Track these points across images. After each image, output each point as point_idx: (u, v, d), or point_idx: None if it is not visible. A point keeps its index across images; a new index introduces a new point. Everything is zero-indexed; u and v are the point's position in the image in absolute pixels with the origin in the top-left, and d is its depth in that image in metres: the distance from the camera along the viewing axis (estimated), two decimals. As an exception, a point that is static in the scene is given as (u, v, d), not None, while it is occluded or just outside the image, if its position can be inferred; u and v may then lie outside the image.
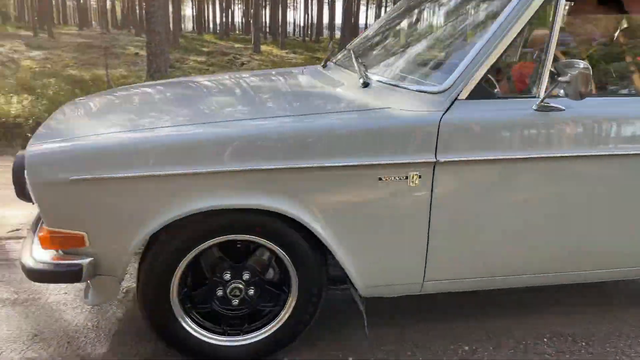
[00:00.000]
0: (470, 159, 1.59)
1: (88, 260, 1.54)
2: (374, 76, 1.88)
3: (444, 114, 1.57)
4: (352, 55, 2.07)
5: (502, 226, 1.73)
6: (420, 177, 1.58)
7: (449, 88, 1.60)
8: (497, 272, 1.81)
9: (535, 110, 1.60)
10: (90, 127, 1.77)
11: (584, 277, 1.90)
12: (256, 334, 1.76)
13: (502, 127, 1.61)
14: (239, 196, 1.53)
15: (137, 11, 31.52)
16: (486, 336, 1.99)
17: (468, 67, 1.60)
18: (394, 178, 1.57)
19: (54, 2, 27.71)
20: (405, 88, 1.73)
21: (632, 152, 1.68)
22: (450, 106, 1.59)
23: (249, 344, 1.75)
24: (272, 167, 1.51)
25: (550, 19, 1.62)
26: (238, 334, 1.76)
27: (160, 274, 1.61)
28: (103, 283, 1.62)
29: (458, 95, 1.60)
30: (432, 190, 1.61)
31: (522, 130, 1.61)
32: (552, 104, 1.59)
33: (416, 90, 1.68)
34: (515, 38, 1.61)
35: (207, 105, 1.99)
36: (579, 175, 1.70)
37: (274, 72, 2.64)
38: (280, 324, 1.76)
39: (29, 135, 3.63)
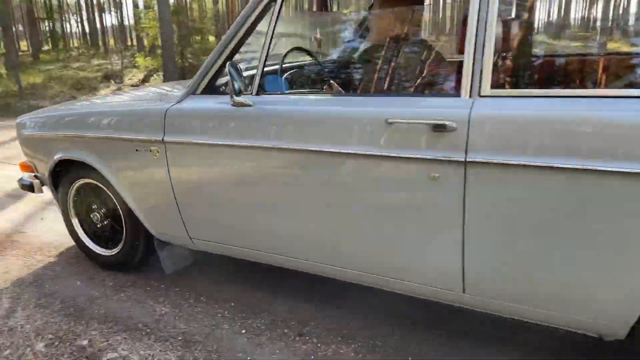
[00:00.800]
0: (185, 140, 1.94)
1: (35, 179, 2.68)
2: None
3: (172, 106, 1.99)
4: None
5: (221, 200, 1.99)
6: (158, 151, 2.02)
7: (191, 85, 1.99)
8: (259, 247, 2.00)
9: (232, 105, 1.80)
10: (46, 111, 2.72)
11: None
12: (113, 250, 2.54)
13: (207, 117, 1.91)
14: (70, 152, 2.36)
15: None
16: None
17: (205, 67, 1.94)
18: (144, 150, 2.07)
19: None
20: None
21: (310, 148, 1.66)
22: (182, 99, 1.99)
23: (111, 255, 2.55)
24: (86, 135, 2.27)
25: (270, 22, 1.77)
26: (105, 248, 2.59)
27: (64, 201, 2.60)
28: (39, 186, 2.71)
29: (195, 90, 1.98)
30: (167, 162, 2.02)
31: (220, 121, 1.87)
32: (242, 100, 1.78)
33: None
34: (241, 41, 1.84)
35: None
36: (268, 163, 1.80)
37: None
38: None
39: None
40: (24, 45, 34.69)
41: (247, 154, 1.81)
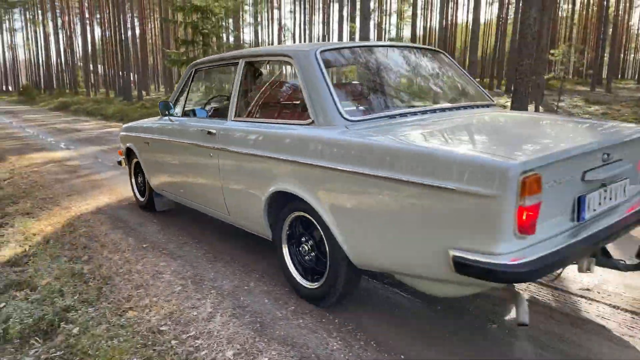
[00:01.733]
0: (150, 137, 4.15)
1: (121, 158, 4.95)
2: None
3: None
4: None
5: (169, 170, 3.95)
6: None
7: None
8: (181, 194, 3.90)
9: (165, 118, 3.99)
10: (128, 124, 4.87)
11: None
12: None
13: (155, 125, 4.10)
14: (130, 143, 4.62)
15: None
16: None
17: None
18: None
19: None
20: None
21: (184, 141, 3.53)
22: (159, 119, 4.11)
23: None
24: None
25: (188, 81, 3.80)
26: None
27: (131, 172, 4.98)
28: (123, 163, 4.96)
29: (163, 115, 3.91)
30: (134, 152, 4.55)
31: (162, 127, 3.98)
32: (167, 118, 3.89)
33: None
34: (182, 90, 3.83)
35: None
36: (177, 150, 3.70)
37: None
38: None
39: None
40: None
41: (174, 146, 3.68)
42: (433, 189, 1.85)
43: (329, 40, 43.97)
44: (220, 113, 3.59)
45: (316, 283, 2.59)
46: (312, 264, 2.64)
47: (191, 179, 3.56)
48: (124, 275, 3.11)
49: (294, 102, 2.84)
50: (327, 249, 2.44)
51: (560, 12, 39.52)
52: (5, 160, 8.06)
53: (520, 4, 25.48)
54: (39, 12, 47.02)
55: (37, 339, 2.51)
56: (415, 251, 2.02)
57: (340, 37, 28.07)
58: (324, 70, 2.52)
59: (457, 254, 1.78)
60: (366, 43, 3.16)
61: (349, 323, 2.45)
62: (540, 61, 9.38)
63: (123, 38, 26.56)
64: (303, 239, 2.68)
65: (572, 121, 2.95)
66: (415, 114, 2.62)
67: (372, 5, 11.75)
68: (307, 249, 2.66)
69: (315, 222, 2.50)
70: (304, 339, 2.31)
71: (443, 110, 2.77)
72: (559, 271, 2.49)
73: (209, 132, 3.14)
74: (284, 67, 3.06)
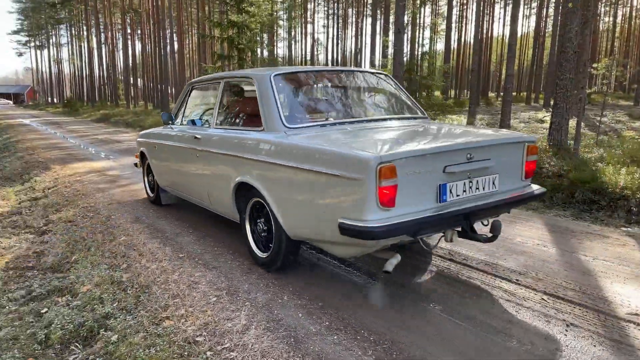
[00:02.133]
0: (157, 142, 5.10)
1: (137, 160, 5.88)
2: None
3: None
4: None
5: (171, 170, 4.79)
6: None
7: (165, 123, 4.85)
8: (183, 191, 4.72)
9: (166, 127, 4.95)
10: (145, 131, 5.73)
11: None
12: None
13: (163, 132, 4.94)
14: (143, 147, 5.57)
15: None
16: None
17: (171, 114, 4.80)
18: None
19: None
20: None
21: (180, 145, 4.43)
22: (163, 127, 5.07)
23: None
24: None
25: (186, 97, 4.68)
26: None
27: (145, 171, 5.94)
28: (138, 164, 5.97)
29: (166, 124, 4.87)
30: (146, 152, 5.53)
31: (166, 134, 4.83)
32: (169, 126, 4.86)
33: None
34: (182, 103, 4.69)
35: None
36: (174, 151, 4.55)
37: None
38: None
39: (634, 208, 4.73)
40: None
41: (173, 149, 4.50)
42: (328, 175, 2.60)
43: (361, 54, 44.19)
44: (207, 122, 4.18)
45: (267, 253, 3.33)
46: (264, 239, 3.39)
47: (185, 175, 4.41)
48: (161, 285, 3.16)
49: (255, 113, 3.41)
50: (273, 226, 3.18)
51: (601, 25, 38.51)
52: (50, 170, 8.41)
53: (559, 18, 24.96)
54: (84, 27, 49.35)
55: (77, 344, 2.56)
56: (321, 223, 2.72)
57: (372, 51, 28.14)
58: (275, 89, 3.27)
59: (342, 221, 2.50)
60: (315, 68, 4.18)
61: (384, 341, 2.40)
62: (582, 75, 9.11)
63: (162, 53, 27.47)
64: (259, 220, 3.41)
65: (463, 128, 3.62)
66: (343, 123, 3.33)
67: (405, 19, 11.72)
68: (261, 227, 3.39)
69: (265, 206, 3.21)
70: (338, 356, 2.27)
71: (370, 121, 3.47)
72: (434, 243, 3.42)
73: (196, 137, 4.01)
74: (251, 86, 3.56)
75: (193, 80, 4.51)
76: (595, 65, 9.50)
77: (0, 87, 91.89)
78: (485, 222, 3.10)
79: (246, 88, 3.82)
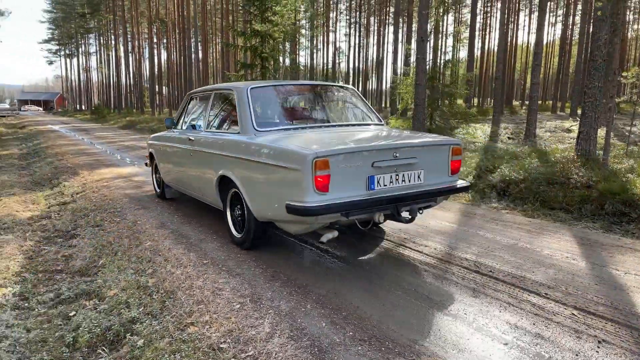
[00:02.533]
0: (163, 143, 5.88)
1: (147, 160, 6.85)
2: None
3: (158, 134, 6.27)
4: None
5: (173, 168, 5.63)
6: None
7: (171, 125, 5.68)
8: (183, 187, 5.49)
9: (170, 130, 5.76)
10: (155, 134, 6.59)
11: None
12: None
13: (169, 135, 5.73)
14: (152, 149, 6.38)
15: None
16: None
17: (173, 120, 5.71)
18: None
19: None
20: None
21: (178, 146, 5.26)
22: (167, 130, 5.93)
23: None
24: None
25: (186, 106, 5.53)
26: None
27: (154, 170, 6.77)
28: (148, 165, 6.93)
29: (170, 127, 5.69)
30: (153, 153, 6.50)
31: (169, 137, 5.69)
32: (172, 130, 5.68)
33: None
34: (183, 110, 5.51)
35: None
36: (176, 151, 5.36)
37: None
38: None
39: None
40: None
41: (174, 149, 5.36)
42: (280, 167, 3.29)
43: (384, 62, 44.13)
44: (200, 126, 4.91)
45: (241, 233, 4.05)
46: (240, 222, 4.07)
47: (183, 172, 5.19)
48: (185, 290, 3.19)
49: (235, 119, 4.10)
50: (245, 210, 3.85)
51: (630, 33, 37.58)
52: (78, 175, 8.63)
53: (586, 26, 24.48)
54: (112, 37, 50.69)
55: (104, 348, 2.60)
56: (277, 205, 3.32)
57: (394, 59, 28.07)
58: (250, 100, 3.97)
59: (288, 203, 3.15)
60: (289, 82, 4.79)
61: (410, 353, 2.36)
62: (611, 84, 8.89)
63: (187, 61, 27.99)
64: (236, 207, 4.10)
65: (401, 134, 4.15)
66: (304, 128, 4.02)
67: (429, 27, 11.65)
68: (237, 212, 4.08)
69: (240, 194, 3.86)
70: (363, 367, 2.24)
71: (329, 126, 4.25)
72: (367, 226, 4.15)
73: (190, 139, 4.79)
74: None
75: (191, 91, 5.35)
76: (624, 74, 9.26)
77: (30, 94, 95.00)
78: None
79: (230, 98, 4.42)
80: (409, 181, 3.48)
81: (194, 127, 4.99)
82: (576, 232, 4.53)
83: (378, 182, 3.32)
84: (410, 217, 3.51)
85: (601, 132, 8.86)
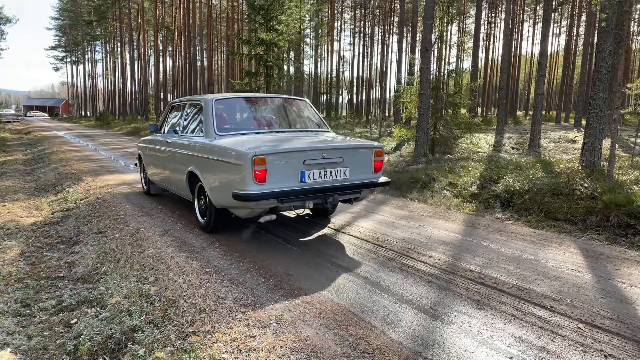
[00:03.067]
0: (150, 146, 6.69)
1: (137, 161, 7.53)
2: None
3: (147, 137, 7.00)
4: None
5: (157, 167, 6.42)
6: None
7: (155, 130, 6.58)
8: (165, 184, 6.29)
9: (154, 134, 6.65)
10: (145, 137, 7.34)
11: None
12: None
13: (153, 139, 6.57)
14: (141, 151, 7.19)
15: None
16: None
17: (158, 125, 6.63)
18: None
19: None
20: None
21: (166, 148, 5.87)
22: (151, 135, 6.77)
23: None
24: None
25: (169, 113, 6.39)
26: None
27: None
28: (138, 165, 7.72)
29: (156, 131, 6.54)
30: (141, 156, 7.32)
31: (152, 140, 6.55)
32: (154, 134, 6.61)
33: None
34: (165, 117, 6.36)
35: None
36: (159, 153, 6.16)
37: None
38: None
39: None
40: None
41: (156, 150, 6.19)
42: (228, 163, 4.06)
43: (387, 71, 44.26)
44: (176, 131, 5.67)
45: (205, 219, 4.83)
46: (204, 210, 4.84)
47: (162, 170, 5.99)
48: (187, 299, 3.17)
49: (202, 125, 4.94)
50: (207, 200, 4.62)
51: (634, 45, 37.62)
52: (82, 181, 8.65)
53: (590, 37, 24.51)
54: (118, 44, 51.10)
55: (105, 357, 2.59)
56: (227, 194, 4.06)
57: (398, 69, 28.14)
58: (213, 109, 4.80)
59: (234, 191, 3.96)
60: (249, 95, 5.69)
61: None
62: (616, 95, 8.88)
63: (192, 69, 28.15)
64: (201, 197, 4.87)
65: (332, 138, 4.87)
66: (258, 133, 4.78)
67: (433, 37, 11.68)
68: (202, 202, 4.86)
69: (204, 187, 4.60)
70: (366, 380, 2.21)
71: (279, 132, 4.95)
72: (301, 211, 5.37)
73: (167, 142, 5.67)
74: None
75: (172, 100, 6.58)
76: (629, 85, 9.24)
77: (36, 100, 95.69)
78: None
79: (199, 108, 5.19)
80: (336, 176, 4.25)
81: (172, 131, 5.79)
82: (581, 244, 4.50)
83: (308, 176, 4.08)
84: (331, 206, 4.79)
85: (606, 143, 8.83)
